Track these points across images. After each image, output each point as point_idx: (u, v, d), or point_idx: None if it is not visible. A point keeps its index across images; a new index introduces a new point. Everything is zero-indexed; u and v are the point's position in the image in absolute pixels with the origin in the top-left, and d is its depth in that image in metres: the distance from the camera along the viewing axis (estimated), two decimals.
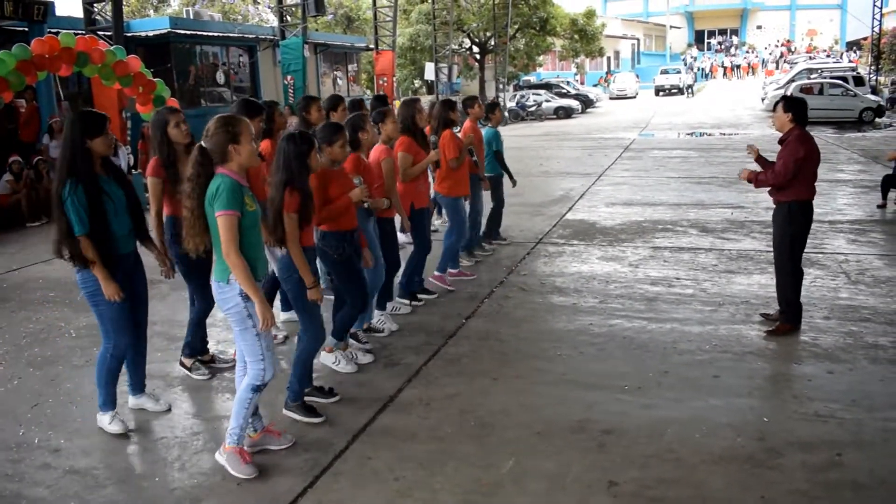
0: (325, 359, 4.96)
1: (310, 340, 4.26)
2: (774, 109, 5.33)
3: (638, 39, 60.32)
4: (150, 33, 17.24)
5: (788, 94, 21.68)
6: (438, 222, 8.78)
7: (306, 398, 4.38)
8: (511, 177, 8.04)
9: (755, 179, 5.31)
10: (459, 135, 6.88)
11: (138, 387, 4.47)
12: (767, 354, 5.03)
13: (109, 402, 4.22)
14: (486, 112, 7.80)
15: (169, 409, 4.48)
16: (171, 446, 4.07)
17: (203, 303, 4.80)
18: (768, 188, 5.35)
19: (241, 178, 3.53)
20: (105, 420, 4.21)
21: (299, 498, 3.50)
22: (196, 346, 4.98)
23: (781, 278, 5.36)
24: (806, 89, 22.80)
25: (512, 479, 3.58)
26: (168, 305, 6.21)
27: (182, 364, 4.97)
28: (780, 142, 5.25)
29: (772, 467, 3.61)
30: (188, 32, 18.02)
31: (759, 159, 5.49)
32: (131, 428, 4.26)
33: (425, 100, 10.22)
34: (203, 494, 3.55)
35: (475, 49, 35.02)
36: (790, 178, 5.10)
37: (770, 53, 55.87)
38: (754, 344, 5.17)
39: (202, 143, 3.52)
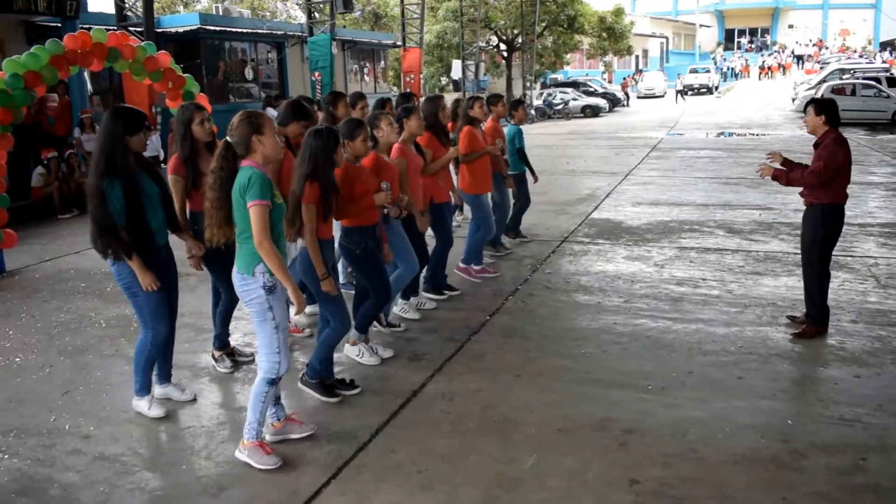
0: (349, 351, 5.02)
1: (335, 327, 4.34)
2: (804, 111, 5.27)
3: (667, 38, 59.85)
4: (180, 29, 17.45)
5: (819, 95, 21.47)
6: (460, 218, 8.83)
7: None
8: (533, 172, 8.11)
9: (785, 177, 5.23)
10: (484, 132, 6.92)
11: (165, 376, 4.55)
12: (793, 357, 4.99)
13: (146, 388, 4.35)
14: (509, 109, 7.82)
15: (194, 399, 4.56)
16: (197, 435, 4.14)
17: (231, 294, 4.85)
18: (801, 189, 5.29)
19: (266, 171, 3.58)
20: (143, 405, 4.33)
21: (323, 489, 3.54)
22: (225, 338, 5.06)
23: (809, 281, 5.31)
24: (838, 90, 22.48)
25: (533, 475, 3.60)
26: (196, 297, 6.30)
27: (213, 356, 5.06)
28: (816, 145, 5.18)
29: (795, 469, 3.59)
30: (217, 29, 18.21)
31: (786, 163, 5.41)
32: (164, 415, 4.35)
33: (450, 97, 10.21)
34: (228, 483, 3.61)
35: (502, 47, 34.95)
36: (825, 180, 5.04)
37: (791, 53, 54.98)
38: (780, 346, 5.13)
39: (227, 137, 3.58)
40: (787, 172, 5.25)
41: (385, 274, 4.87)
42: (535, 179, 8.23)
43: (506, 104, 7.61)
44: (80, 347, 5.55)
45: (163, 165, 11.48)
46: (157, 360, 4.45)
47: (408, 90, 23.42)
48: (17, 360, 5.34)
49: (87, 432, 4.18)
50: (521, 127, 8.10)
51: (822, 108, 5.15)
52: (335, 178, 4.18)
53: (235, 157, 3.56)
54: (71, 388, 4.82)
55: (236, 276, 3.65)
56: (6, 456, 3.94)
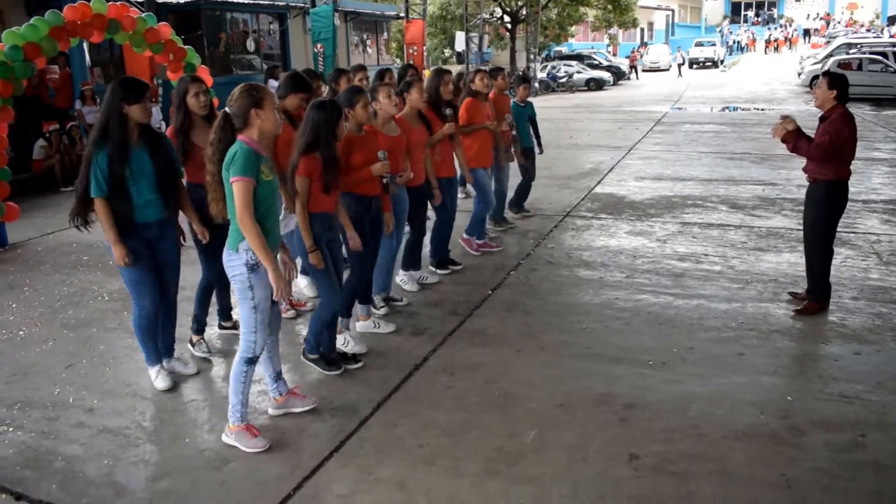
0: (364, 327, 5.07)
1: (322, 303, 4.33)
2: (810, 85, 5.21)
3: (672, 10, 59.24)
4: (181, 0, 17.26)
5: (828, 69, 21.25)
6: (462, 196, 8.81)
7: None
8: (539, 144, 8.16)
9: (793, 143, 5.13)
10: (493, 103, 6.89)
11: (168, 351, 4.57)
12: (794, 333, 5.00)
13: (153, 358, 4.40)
14: (513, 86, 7.78)
15: (198, 373, 4.58)
16: (200, 409, 4.17)
17: (210, 273, 4.79)
18: (805, 165, 5.25)
19: (260, 147, 3.51)
20: (152, 374, 4.40)
21: (325, 462, 3.57)
22: (202, 320, 4.94)
23: (811, 257, 5.31)
24: (844, 65, 22.24)
25: (533, 450, 3.63)
26: (198, 271, 6.30)
27: (190, 340, 4.92)
28: (822, 119, 5.13)
29: (794, 445, 3.61)
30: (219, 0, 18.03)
31: (796, 131, 5.22)
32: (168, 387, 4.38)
33: (454, 69, 10.09)
34: (231, 456, 3.64)
35: (506, 18, 34.57)
36: (829, 155, 4.99)
37: (796, 28, 54.33)
38: (781, 322, 5.13)
39: (226, 108, 3.53)
40: (796, 139, 5.14)
41: (370, 251, 4.87)
42: (541, 151, 8.24)
43: (506, 77, 7.53)
44: (83, 321, 5.57)
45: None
46: (157, 334, 4.47)
47: (410, 62, 23.26)
48: (21, 333, 5.37)
49: (91, 405, 4.22)
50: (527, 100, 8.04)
51: (835, 82, 5.06)
52: (337, 151, 4.15)
53: (233, 129, 3.51)
54: (74, 361, 4.84)
55: (225, 251, 3.59)
56: (11, 429, 3.97)
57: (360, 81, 6.14)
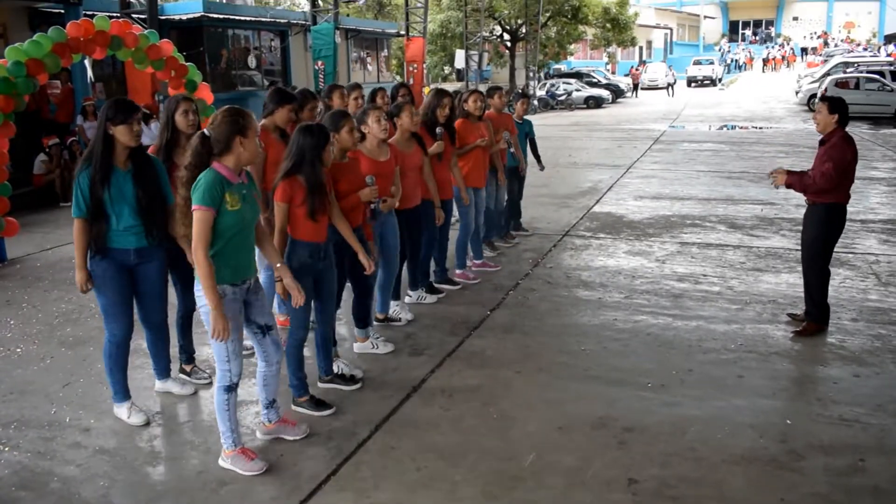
0: (361, 348, 5.05)
1: (290, 332, 4.22)
2: (808, 104, 5.24)
3: (671, 29, 59.59)
4: (184, 17, 17.38)
5: (826, 92, 21.37)
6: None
7: (327, 385, 4.49)
8: (539, 161, 8.32)
9: (799, 184, 5.13)
10: (492, 123, 6.89)
11: (164, 372, 4.54)
12: (793, 355, 4.99)
13: (122, 393, 4.22)
14: (512, 102, 7.81)
15: (195, 393, 4.56)
16: (197, 430, 4.15)
17: (185, 300, 4.61)
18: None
19: (233, 175, 3.39)
20: (122, 412, 4.21)
21: (322, 485, 3.55)
22: (190, 349, 4.80)
23: (810, 278, 5.31)
24: (842, 83, 22.41)
25: (532, 473, 3.61)
26: None
27: (182, 370, 4.78)
28: (822, 143, 5.15)
29: (793, 470, 3.60)
30: (221, 16, 18.13)
31: (789, 174, 5.21)
32: (157, 410, 4.36)
33: (451, 88, 10.03)
34: (228, 478, 3.62)
35: (506, 37, 34.85)
36: (837, 183, 5.00)
37: (792, 47, 54.55)
38: (780, 344, 5.13)
39: (205, 130, 3.40)
40: (799, 178, 5.14)
41: (347, 281, 4.80)
42: (542, 168, 8.33)
43: (503, 96, 7.50)
44: (81, 338, 5.56)
45: None
46: (152, 357, 4.44)
47: (403, 81, 23.38)
48: (18, 350, 5.35)
49: (88, 425, 4.20)
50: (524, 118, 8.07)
51: (836, 106, 5.08)
52: (324, 178, 3.99)
53: (210, 153, 3.38)
54: (72, 379, 4.83)
55: (196, 282, 3.49)
56: (7, 448, 3.95)
57: (355, 101, 6.09)
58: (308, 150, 3.89)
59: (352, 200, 4.48)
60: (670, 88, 37.11)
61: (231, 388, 3.62)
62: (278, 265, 3.78)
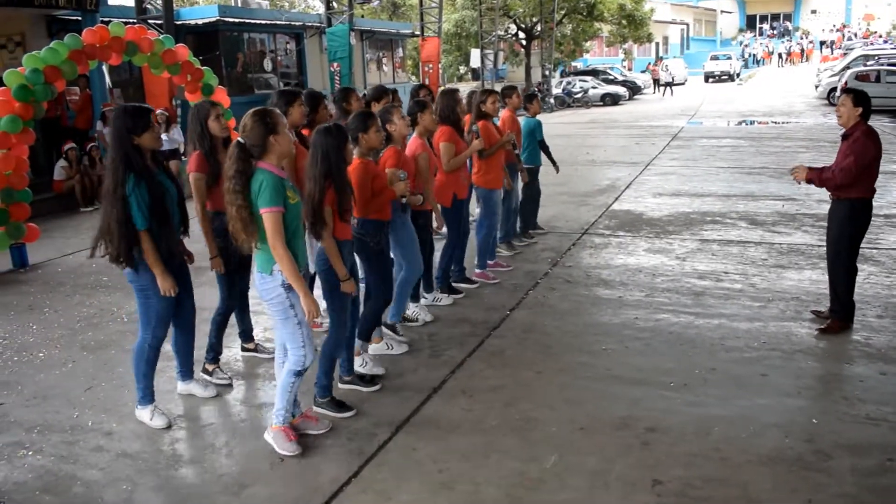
0: (376, 349, 5.02)
1: (330, 339, 4.24)
2: (828, 98, 5.15)
3: (687, 24, 59.20)
4: (200, 21, 17.47)
5: (843, 82, 21.10)
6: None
7: (347, 385, 4.49)
8: (554, 163, 8.16)
9: (818, 178, 5.06)
10: (499, 125, 6.84)
11: (187, 374, 4.57)
12: (818, 353, 4.92)
13: (148, 396, 4.25)
14: (524, 102, 7.75)
15: (217, 395, 4.57)
16: (219, 432, 4.16)
17: (229, 299, 4.78)
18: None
19: (280, 171, 3.58)
20: (145, 415, 4.23)
21: (344, 487, 3.54)
22: (219, 349, 4.85)
23: (835, 275, 5.22)
24: (862, 76, 22.11)
25: (554, 475, 3.58)
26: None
27: (205, 369, 4.81)
28: (844, 136, 5.05)
29: (820, 470, 3.54)
30: (236, 20, 18.21)
31: (810, 171, 5.14)
32: (179, 413, 4.37)
33: (467, 87, 9.91)
34: (250, 481, 3.62)
35: (521, 35, 34.70)
36: (857, 177, 4.91)
37: (811, 41, 53.86)
38: (804, 342, 5.06)
39: (239, 139, 3.52)
40: (819, 173, 5.07)
41: (390, 274, 4.83)
42: (557, 170, 8.23)
43: (520, 95, 7.50)
44: (102, 342, 5.59)
45: (183, 158, 11.51)
46: (177, 358, 4.48)
47: (422, 80, 23.38)
48: (41, 355, 5.39)
49: (110, 429, 4.21)
50: (538, 117, 8.02)
51: (860, 99, 4.98)
52: (348, 177, 4.07)
53: (250, 157, 3.51)
54: (94, 383, 4.85)
55: (256, 276, 3.67)
56: (31, 453, 3.97)
57: (384, 104, 6.12)
58: (332, 152, 3.91)
59: (389, 195, 4.53)
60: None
61: (301, 373, 3.78)
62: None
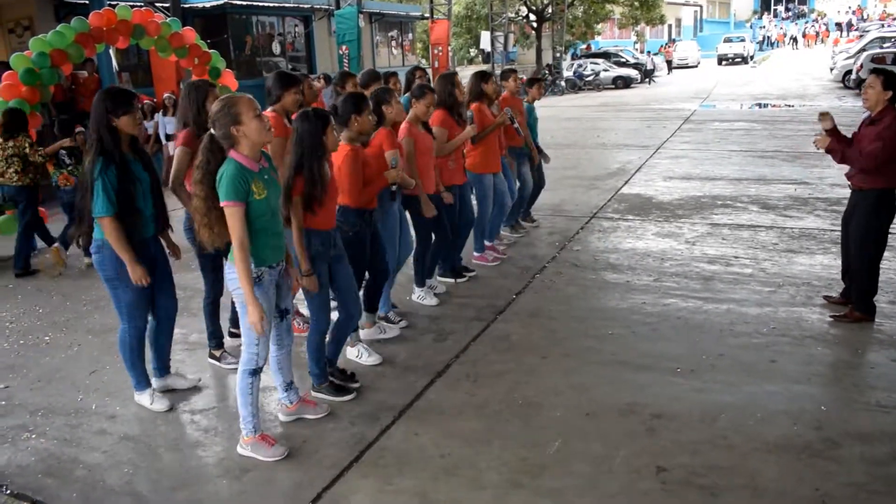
0: (369, 334, 4.97)
1: (312, 328, 4.18)
2: (843, 83, 5.01)
3: (700, 6, 58.58)
4: (207, 4, 17.40)
5: (859, 65, 20.77)
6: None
7: (319, 394, 4.32)
8: (541, 151, 7.70)
9: (839, 154, 4.85)
10: (497, 108, 6.70)
11: (163, 369, 4.44)
12: (828, 340, 4.85)
13: (144, 381, 4.24)
14: (525, 86, 7.62)
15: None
16: (220, 417, 4.14)
17: (213, 286, 4.70)
18: (847, 171, 4.99)
19: (252, 162, 3.36)
20: (145, 399, 4.22)
21: (345, 471, 3.52)
22: (219, 335, 4.85)
23: (858, 268, 5.01)
24: (878, 59, 21.78)
25: (558, 461, 3.54)
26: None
27: (212, 356, 4.84)
28: (872, 121, 4.80)
29: (829, 458, 3.48)
30: (244, 3, 18.13)
31: (833, 131, 5.00)
32: (182, 397, 4.35)
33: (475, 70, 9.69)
34: (251, 465, 3.60)
35: (532, 17, 34.40)
36: (882, 164, 4.68)
37: (825, 23, 53.13)
38: (815, 328, 4.99)
39: (211, 130, 3.37)
40: (842, 148, 4.86)
41: (367, 264, 4.66)
42: (546, 160, 7.85)
43: (518, 79, 7.32)
44: (108, 326, 5.58)
45: None
46: (153, 354, 4.37)
47: (431, 63, 23.26)
48: (46, 338, 5.40)
49: (113, 412, 4.21)
50: (536, 104, 7.77)
51: (892, 82, 4.69)
52: (324, 167, 3.88)
53: (221, 149, 3.35)
54: (98, 367, 4.85)
55: (226, 264, 3.50)
56: (34, 436, 3.97)
57: (395, 86, 6.08)
58: (305, 139, 3.80)
59: (381, 183, 4.45)
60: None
61: (256, 372, 3.61)
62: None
